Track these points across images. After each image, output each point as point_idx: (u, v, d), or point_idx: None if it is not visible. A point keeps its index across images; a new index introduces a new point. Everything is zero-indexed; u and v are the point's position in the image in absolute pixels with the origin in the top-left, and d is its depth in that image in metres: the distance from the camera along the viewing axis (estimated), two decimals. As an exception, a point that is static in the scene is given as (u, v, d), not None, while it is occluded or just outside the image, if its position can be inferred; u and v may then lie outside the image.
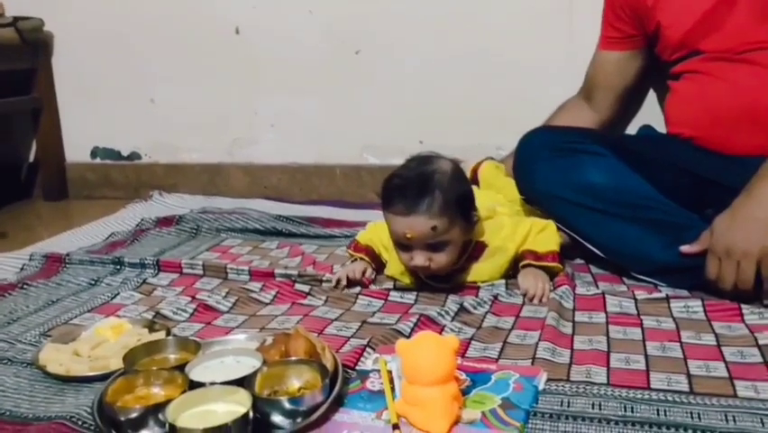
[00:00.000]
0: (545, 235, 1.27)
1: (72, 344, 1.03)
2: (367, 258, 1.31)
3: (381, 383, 0.88)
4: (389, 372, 0.88)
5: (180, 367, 0.88)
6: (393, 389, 0.85)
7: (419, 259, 1.15)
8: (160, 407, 0.78)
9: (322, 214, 1.81)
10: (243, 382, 0.83)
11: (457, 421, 0.80)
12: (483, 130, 1.81)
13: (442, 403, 0.79)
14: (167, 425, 0.76)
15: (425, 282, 1.24)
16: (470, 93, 1.84)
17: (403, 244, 1.17)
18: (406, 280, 1.25)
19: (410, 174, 1.16)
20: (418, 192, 1.12)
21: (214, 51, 2.04)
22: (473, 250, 1.24)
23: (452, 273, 1.23)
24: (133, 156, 2.20)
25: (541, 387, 0.88)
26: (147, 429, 0.78)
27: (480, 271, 1.25)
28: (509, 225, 1.27)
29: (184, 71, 2.08)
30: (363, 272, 1.28)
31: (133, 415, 0.78)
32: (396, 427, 0.79)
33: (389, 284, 1.26)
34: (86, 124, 2.20)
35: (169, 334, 1.06)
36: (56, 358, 0.98)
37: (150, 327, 1.08)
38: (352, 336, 1.07)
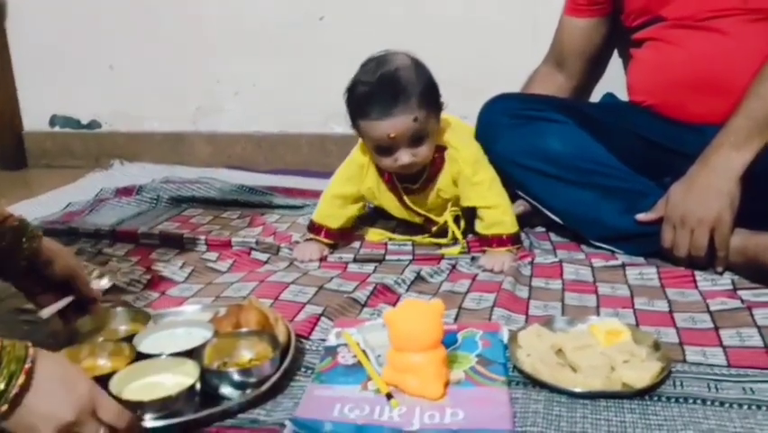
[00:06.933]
0: (507, 215, 1.25)
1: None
2: (325, 240, 1.28)
3: (353, 357, 0.87)
4: (358, 344, 0.88)
5: (129, 339, 0.87)
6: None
7: (404, 157, 1.17)
8: (105, 379, 0.76)
9: (287, 183, 1.79)
10: (192, 354, 0.81)
11: (447, 384, 0.80)
12: (449, 97, 1.79)
13: (434, 368, 0.79)
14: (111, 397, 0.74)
15: (404, 202, 1.28)
16: (436, 60, 1.80)
17: (385, 148, 1.17)
18: (385, 201, 1.30)
19: (374, 78, 1.15)
20: (391, 92, 1.13)
21: (175, 17, 1.98)
22: (436, 158, 1.24)
23: (424, 183, 1.26)
24: (93, 125, 2.14)
25: (505, 341, 0.89)
26: (92, 402, 0.77)
27: (444, 180, 1.26)
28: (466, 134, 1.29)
29: (144, 37, 2.02)
30: (321, 256, 1.26)
31: (77, 387, 0.77)
32: (389, 396, 0.78)
33: (350, 256, 1.26)
34: (43, 91, 2.14)
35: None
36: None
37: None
38: (307, 303, 1.06)
